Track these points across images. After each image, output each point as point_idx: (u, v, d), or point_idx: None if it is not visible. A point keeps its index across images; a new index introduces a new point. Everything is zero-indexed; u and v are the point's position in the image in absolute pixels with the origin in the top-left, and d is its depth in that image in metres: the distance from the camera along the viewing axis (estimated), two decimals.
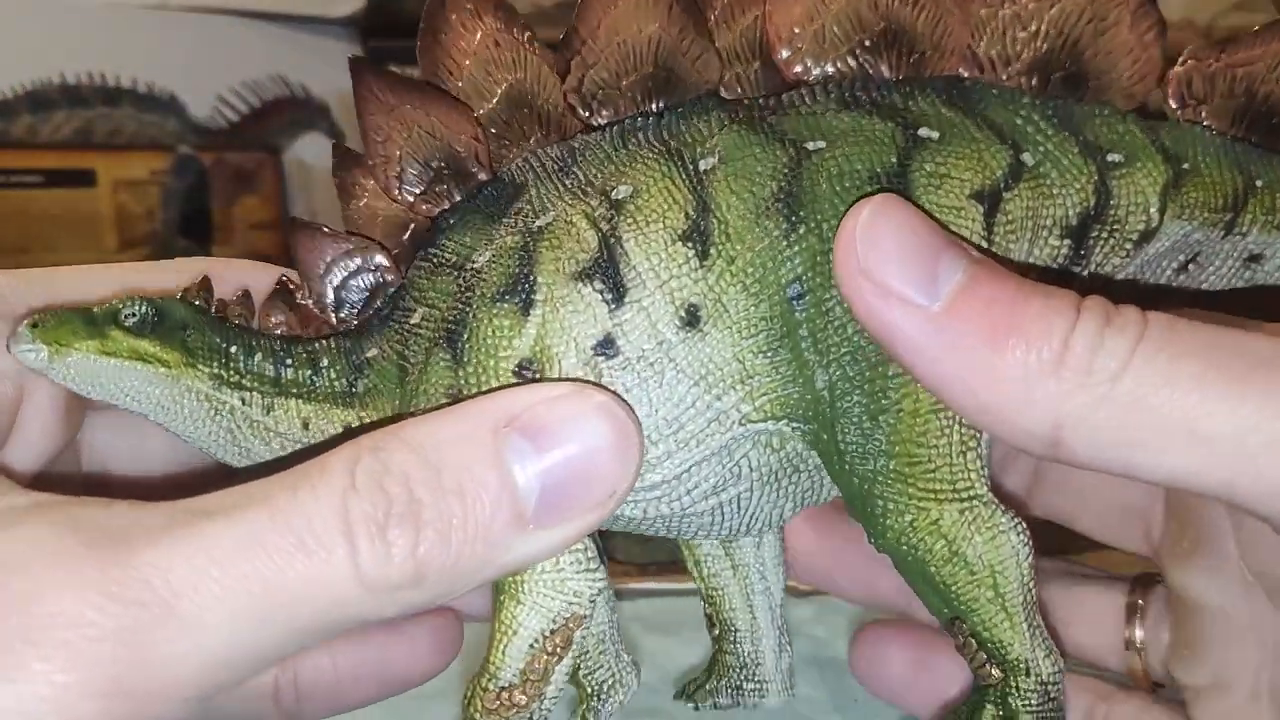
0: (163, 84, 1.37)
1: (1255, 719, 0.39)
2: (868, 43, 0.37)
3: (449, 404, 0.36)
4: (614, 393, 0.34)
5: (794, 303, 0.35)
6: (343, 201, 0.39)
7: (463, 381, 0.36)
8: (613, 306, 0.35)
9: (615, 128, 0.37)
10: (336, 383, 0.38)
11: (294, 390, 0.38)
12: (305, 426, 0.38)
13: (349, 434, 0.39)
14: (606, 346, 0.35)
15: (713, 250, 0.35)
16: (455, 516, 0.31)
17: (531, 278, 0.36)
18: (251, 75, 1.36)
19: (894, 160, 0.36)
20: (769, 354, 0.35)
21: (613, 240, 0.36)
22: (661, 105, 0.37)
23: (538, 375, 0.36)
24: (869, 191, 0.35)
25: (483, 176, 0.38)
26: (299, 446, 0.39)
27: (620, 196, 0.36)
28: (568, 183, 0.37)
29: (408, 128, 0.37)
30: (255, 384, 0.38)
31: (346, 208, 0.39)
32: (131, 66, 1.32)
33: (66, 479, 0.41)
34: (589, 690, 0.41)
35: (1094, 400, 0.30)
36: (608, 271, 0.35)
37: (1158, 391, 0.29)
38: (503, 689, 0.36)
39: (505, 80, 0.37)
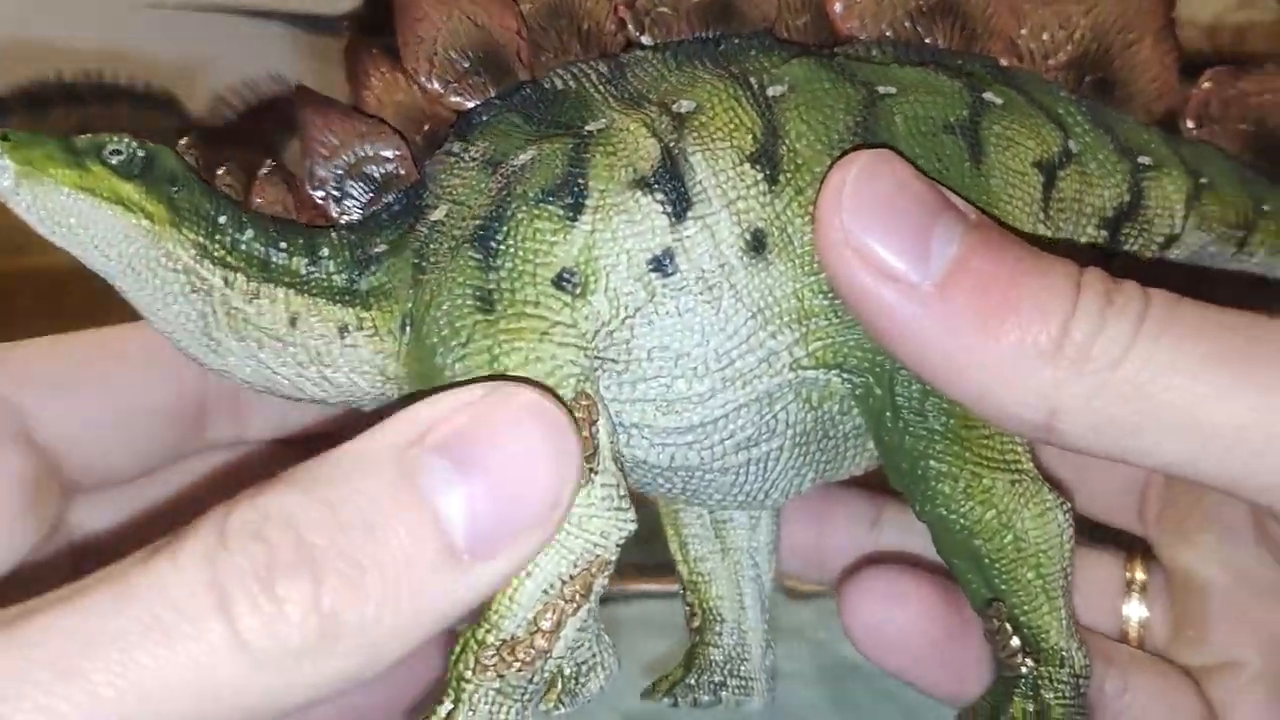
0: (160, 82, 1.27)
1: (1271, 694, 0.37)
2: (924, 7, 0.37)
3: (476, 306, 0.31)
4: (538, 385, 0.29)
5: None
6: (351, 86, 0.34)
7: (493, 285, 0.31)
8: (674, 220, 0.32)
9: (669, 49, 0.35)
10: (336, 276, 0.33)
11: (285, 278, 0.32)
12: (293, 323, 0.32)
13: (343, 335, 0.32)
14: (665, 262, 0.32)
15: (781, 177, 0.32)
16: (366, 556, 0.24)
17: (582, 181, 0.32)
18: (249, 74, 1.26)
19: (965, 114, 0.35)
20: (830, 295, 0.32)
21: (676, 152, 0.32)
22: (718, 34, 0.35)
23: (579, 289, 0.31)
24: (945, 139, 0.34)
25: (521, 76, 0.34)
26: (279, 345, 0.32)
27: (683, 110, 0.33)
28: (619, 93, 0.34)
29: (448, 9, 0.34)
30: (243, 263, 0.32)
31: (357, 94, 0.34)
32: (129, 65, 1.24)
33: (47, 565, 0.36)
34: (568, 671, 0.33)
35: (1092, 387, 0.28)
36: (670, 183, 0.32)
37: (1159, 378, 0.27)
38: (504, 642, 0.29)
39: None
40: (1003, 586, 0.32)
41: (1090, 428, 0.28)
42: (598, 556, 0.30)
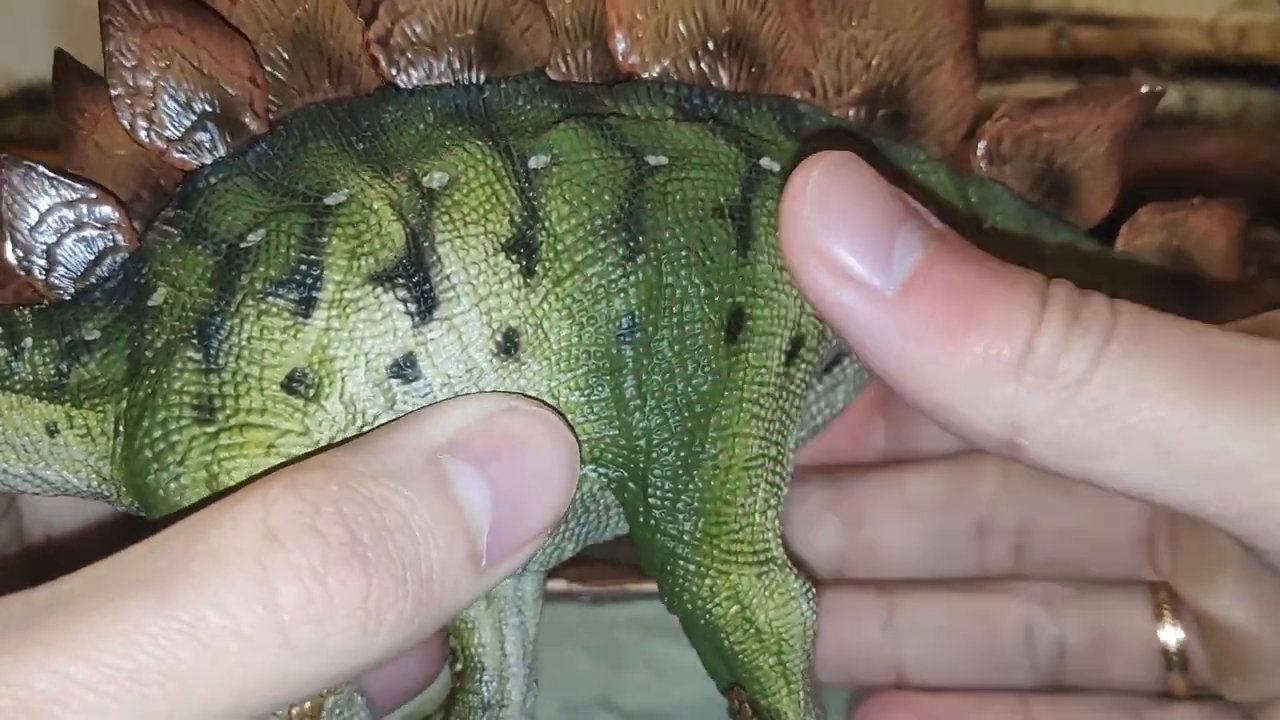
0: None
1: None
2: (711, 45, 0.34)
3: (194, 417, 0.29)
4: (542, 401, 0.30)
5: (622, 338, 0.31)
6: (64, 134, 0.30)
7: (214, 390, 0.29)
8: (417, 320, 0.30)
9: (426, 95, 0.32)
10: (41, 369, 0.30)
11: None
12: None
13: (52, 434, 0.30)
14: (406, 367, 0.30)
15: (539, 268, 0.30)
16: (409, 558, 0.25)
17: (317, 271, 0.29)
18: None
19: (738, 192, 0.33)
20: (586, 391, 0.31)
21: (423, 240, 0.30)
22: (482, 77, 0.32)
23: (312, 391, 0.29)
24: (713, 224, 0.32)
25: (256, 129, 0.31)
26: None
27: (434, 185, 0.30)
28: (364, 152, 0.31)
29: (168, 55, 0.30)
30: None
31: (68, 144, 0.30)
32: None
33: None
34: None
35: (1057, 405, 0.27)
36: (415, 278, 0.30)
37: (1126, 400, 0.27)
38: None
39: (292, 13, 0.31)
40: (743, 674, 0.33)
41: (1054, 446, 0.28)
42: None
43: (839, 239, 0.28)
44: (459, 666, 0.39)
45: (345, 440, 0.29)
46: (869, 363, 0.29)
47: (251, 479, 0.28)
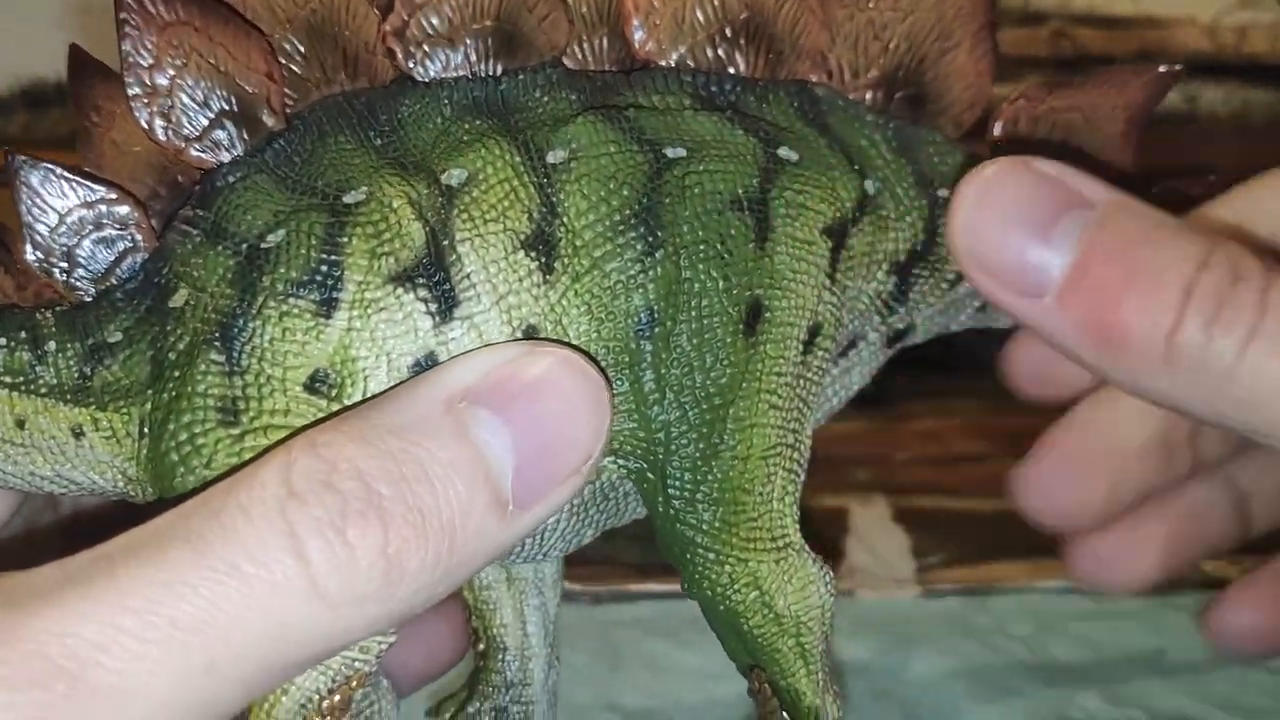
0: None
1: None
2: (728, 32, 0.34)
3: (219, 420, 0.29)
4: (567, 344, 0.30)
5: (640, 332, 0.31)
6: (81, 131, 0.30)
7: (238, 393, 0.29)
8: (438, 320, 0.30)
9: (444, 88, 0.32)
10: (65, 372, 0.30)
11: (7, 379, 0.29)
12: (20, 425, 0.30)
13: (77, 437, 0.30)
14: (428, 367, 0.30)
15: (557, 265, 0.30)
16: (427, 506, 0.26)
17: (338, 271, 0.29)
18: None
19: (755, 183, 0.33)
20: None
21: (443, 239, 0.30)
22: (499, 69, 0.32)
23: (334, 392, 0.29)
24: (731, 217, 0.32)
25: (274, 126, 0.31)
26: (7, 448, 0.29)
27: (453, 183, 0.30)
28: (382, 148, 0.31)
29: (184, 53, 0.30)
30: None
31: (85, 140, 0.30)
32: None
33: (37, 531, 0.38)
34: None
35: (1212, 394, 0.28)
36: (435, 277, 0.30)
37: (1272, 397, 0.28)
38: None
39: (307, 4, 0.31)
40: (763, 656, 0.33)
41: (1217, 421, 0.29)
42: (356, 670, 0.30)
43: (997, 250, 0.29)
44: (482, 646, 0.40)
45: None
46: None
47: None
